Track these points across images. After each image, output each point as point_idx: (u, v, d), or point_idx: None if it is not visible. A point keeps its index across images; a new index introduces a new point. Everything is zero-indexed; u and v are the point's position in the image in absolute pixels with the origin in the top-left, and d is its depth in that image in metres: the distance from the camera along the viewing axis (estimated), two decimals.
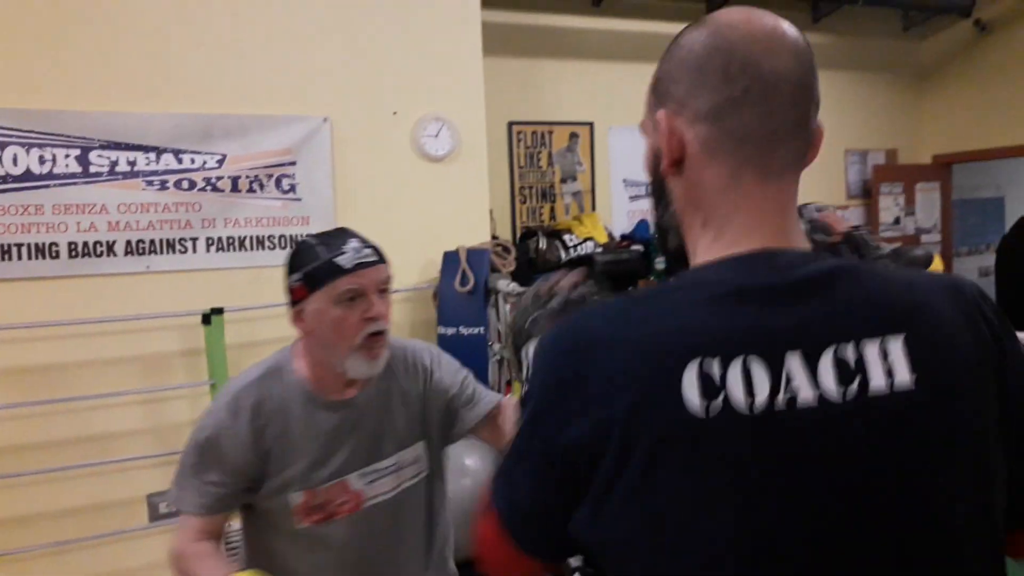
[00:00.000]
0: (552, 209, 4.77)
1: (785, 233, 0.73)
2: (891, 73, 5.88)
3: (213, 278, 3.19)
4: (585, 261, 1.18)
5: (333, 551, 1.54)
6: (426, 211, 3.58)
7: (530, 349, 0.97)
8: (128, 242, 3.08)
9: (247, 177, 3.27)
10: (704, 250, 0.74)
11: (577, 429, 0.67)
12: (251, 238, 3.28)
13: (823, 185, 5.70)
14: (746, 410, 0.64)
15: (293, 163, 3.35)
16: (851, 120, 5.74)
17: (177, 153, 3.16)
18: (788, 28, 0.74)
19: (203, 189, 3.20)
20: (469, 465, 2.97)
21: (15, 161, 2.93)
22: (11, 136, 2.92)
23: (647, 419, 0.65)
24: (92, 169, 3.04)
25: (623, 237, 4.73)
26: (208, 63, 3.20)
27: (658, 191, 0.81)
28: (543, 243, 4.29)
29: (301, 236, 3.29)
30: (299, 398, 1.52)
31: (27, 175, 2.94)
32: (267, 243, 3.29)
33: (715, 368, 0.64)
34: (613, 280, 1.14)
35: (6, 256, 2.91)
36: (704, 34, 0.74)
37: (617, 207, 4.97)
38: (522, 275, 3.85)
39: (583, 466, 0.67)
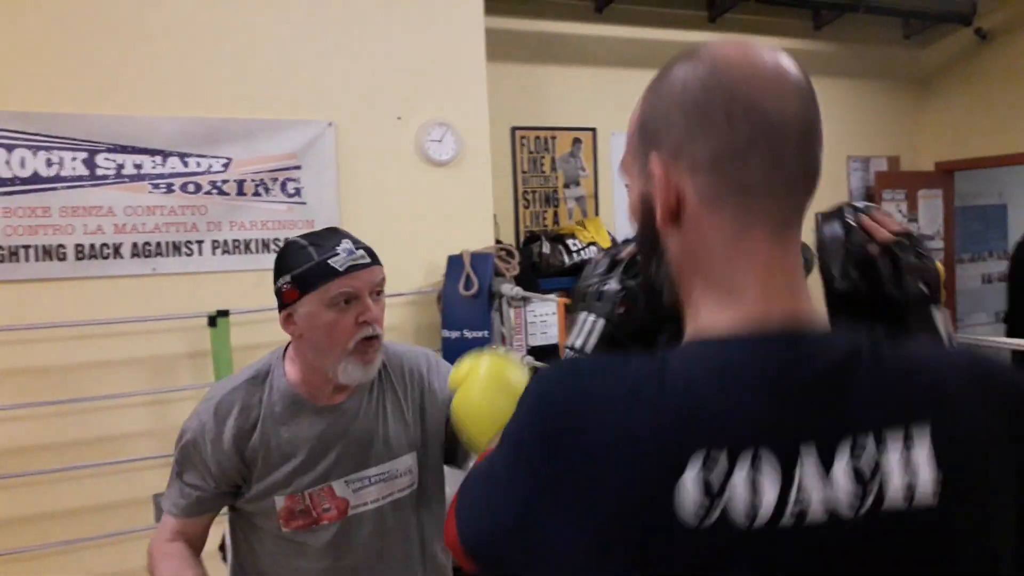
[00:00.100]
0: (555, 214, 4.79)
1: (796, 295, 0.66)
2: (892, 80, 5.90)
3: (219, 281, 3.21)
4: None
5: (317, 558, 1.50)
6: (430, 215, 3.60)
7: (578, 318, 0.97)
8: (134, 244, 3.11)
9: (252, 181, 3.30)
10: (709, 313, 0.66)
11: (549, 505, 0.61)
12: (256, 241, 3.30)
13: (825, 191, 5.69)
14: (745, 522, 0.57)
15: (298, 167, 3.37)
16: (853, 127, 5.76)
17: (183, 156, 3.18)
18: (791, 66, 0.67)
19: (209, 192, 3.22)
20: None
21: (23, 164, 2.96)
22: (19, 139, 2.95)
23: (632, 519, 0.57)
24: (99, 172, 3.06)
25: (626, 242, 4.74)
26: (213, 67, 3.22)
27: (648, 243, 0.73)
28: (546, 248, 4.31)
29: (283, 242, 3.31)
30: (287, 402, 1.48)
31: (34, 177, 2.97)
32: (272, 246, 3.31)
33: (721, 463, 0.57)
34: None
35: (14, 258, 2.93)
36: (701, 72, 0.65)
37: (620, 212, 4.99)
38: (526, 279, 3.87)
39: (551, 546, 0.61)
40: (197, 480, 1.46)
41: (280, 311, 1.46)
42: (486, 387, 1.20)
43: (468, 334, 3.43)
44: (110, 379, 3.03)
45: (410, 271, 3.52)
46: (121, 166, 3.09)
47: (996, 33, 5.57)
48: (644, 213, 0.71)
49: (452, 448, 1.64)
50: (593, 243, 4.41)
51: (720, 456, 0.57)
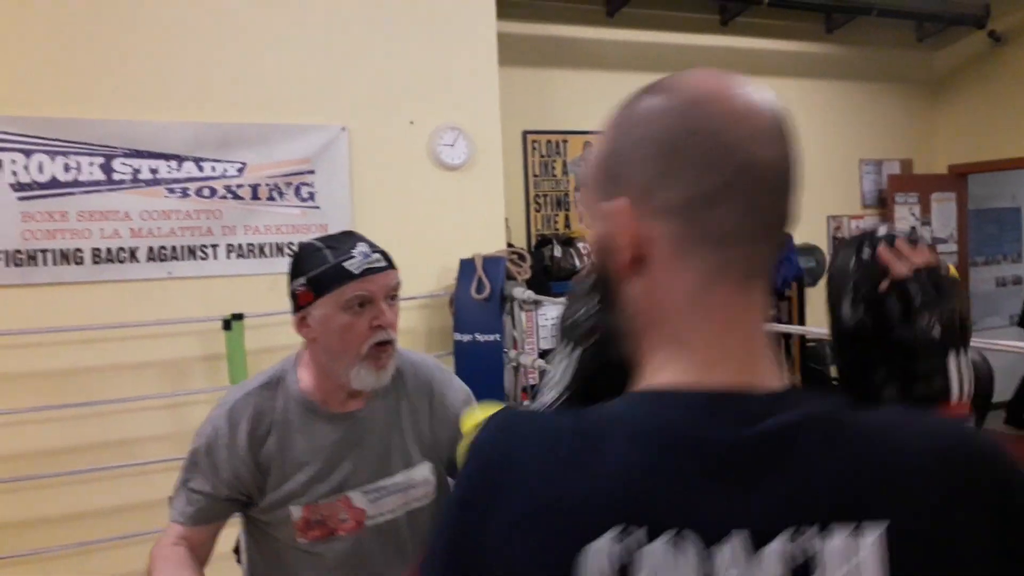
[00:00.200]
0: (567, 217, 4.80)
1: (754, 354, 0.60)
2: (905, 83, 5.88)
3: (233, 284, 3.24)
4: None
5: (332, 569, 1.47)
6: (442, 219, 3.62)
7: (556, 350, 0.93)
8: (150, 248, 3.14)
9: (267, 185, 3.33)
10: (654, 369, 0.61)
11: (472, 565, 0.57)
12: (271, 245, 3.33)
13: (838, 194, 5.70)
14: None
15: (312, 171, 3.39)
16: (866, 130, 5.75)
17: (198, 161, 3.21)
18: (771, 104, 0.62)
19: (224, 197, 3.25)
20: None
21: (41, 168, 3.00)
22: (37, 144, 2.99)
23: None
24: (115, 177, 3.10)
25: None
26: (228, 73, 3.26)
27: (605, 288, 0.67)
28: (558, 251, 4.32)
29: (299, 245, 3.34)
30: (301, 409, 1.46)
31: (53, 182, 3.00)
32: (286, 250, 3.34)
33: (636, 540, 0.52)
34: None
35: (32, 262, 2.97)
36: (673, 107, 0.60)
37: None
38: (537, 283, 3.88)
39: None
40: (206, 487, 1.43)
41: (294, 314, 1.44)
42: None
43: (480, 337, 3.44)
44: (126, 382, 3.07)
45: (422, 275, 3.54)
46: (137, 171, 3.13)
47: (1010, 35, 5.54)
48: (603, 257, 0.65)
49: (452, 473, 1.61)
50: None
51: (638, 533, 0.52)
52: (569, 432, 0.58)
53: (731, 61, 5.28)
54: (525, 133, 4.67)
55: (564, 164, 4.79)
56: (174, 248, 3.17)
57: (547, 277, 4.13)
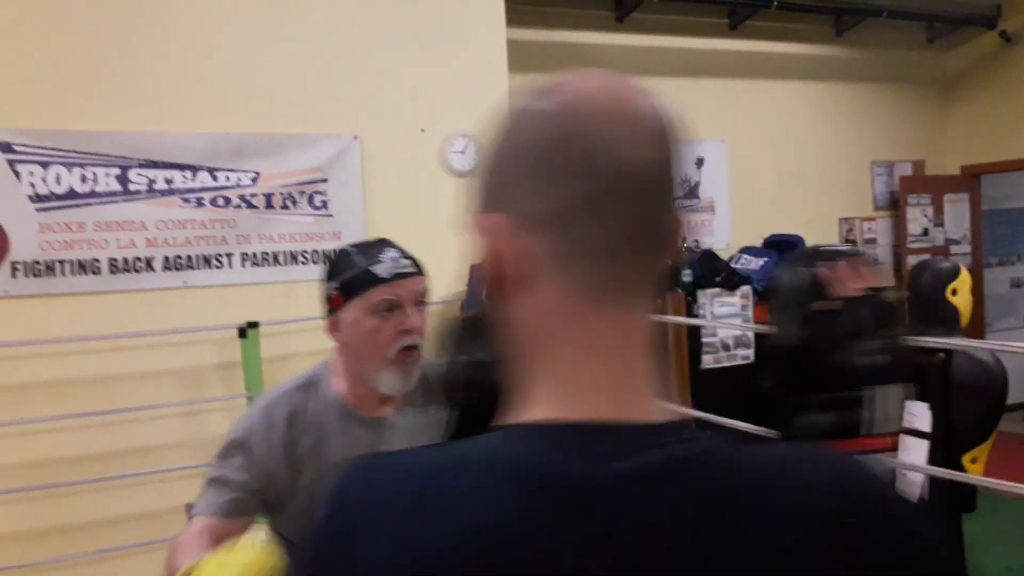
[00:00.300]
0: None
1: (636, 386, 0.55)
2: (916, 84, 5.87)
3: (248, 293, 3.27)
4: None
5: None
6: (454, 225, 3.64)
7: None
8: (166, 258, 3.17)
9: (280, 194, 3.36)
10: (530, 400, 0.56)
11: None
12: (285, 253, 3.36)
13: (850, 196, 5.69)
14: None
15: (324, 180, 3.42)
16: (877, 131, 5.74)
17: (212, 171, 3.25)
18: (650, 107, 0.57)
19: (238, 206, 3.29)
20: None
21: (58, 180, 3.03)
22: (54, 156, 3.03)
23: None
24: (131, 187, 3.13)
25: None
26: (242, 84, 3.29)
27: (490, 310, 0.63)
28: None
29: (333, 251, 3.37)
30: (335, 412, 1.47)
31: (70, 194, 3.04)
32: (300, 258, 3.37)
33: None
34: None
35: (50, 272, 3.00)
36: (549, 113, 0.56)
37: None
38: None
39: None
40: (241, 476, 1.41)
41: (326, 318, 1.46)
42: None
43: None
44: (143, 390, 3.10)
45: (434, 280, 3.55)
46: (152, 181, 3.16)
47: (1021, 35, 5.52)
48: (484, 278, 0.59)
49: None
50: None
51: None
52: (424, 477, 0.52)
53: (741, 65, 5.28)
54: None
55: None
56: (189, 257, 3.20)
57: None
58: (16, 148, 2.98)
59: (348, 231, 3.41)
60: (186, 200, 3.21)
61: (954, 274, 2.69)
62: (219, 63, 3.26)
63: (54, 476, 2.97)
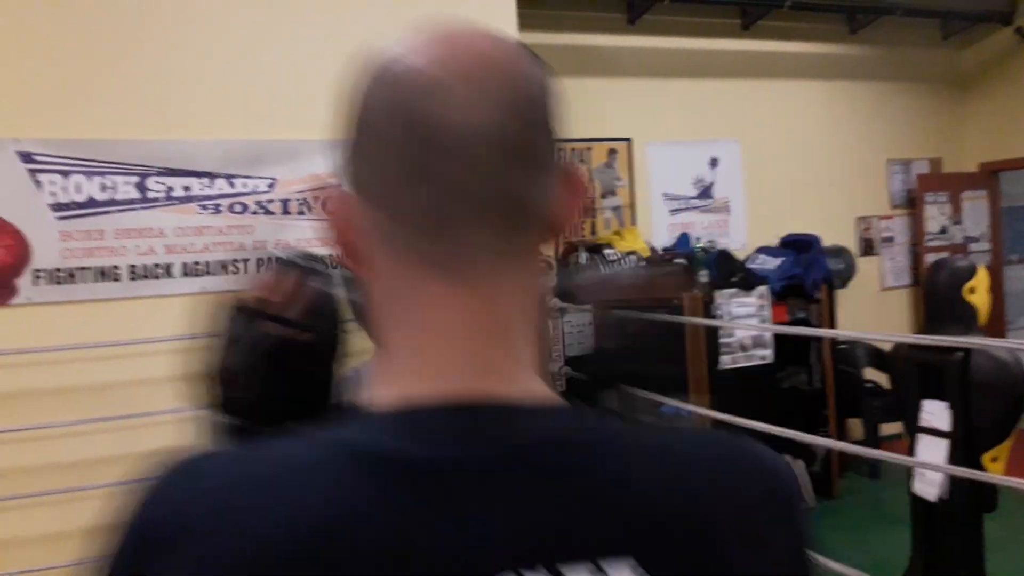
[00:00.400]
0: (593, 224, 4.82)
1: (497, 362, 0.50)
2: (932, 82, 5.83)
3: None
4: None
5: None
6: None
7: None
8: (184, 264, 3.21)
9: (296, 200, 3.39)
10: (378, 382, 0.52)
11: None
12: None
13: (866, 195, 5.66)
14: None
15: (340, 186, 3.44)
16: (893, 130, 5.70)
17: (230, 178, 3.28)
18: (501, 59, 0.51)
19: (255, 212, 3.32)
20: None
21: (78, 189, 3.08)
22: (75, 165, 3.07)
23: None
24: (150, 195, 3.17)
25: (665, 250, 4.75)
26: (258, 91, 3.32)
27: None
28: (584, 258, 4.34)
29: None
30: None
31: (90, 202, 3.09)
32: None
33: None
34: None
35: (71, 279, 3.05)
36: (380, 76, 0.52)
37: (657, 221, 5.00)
38: (563, 291, 3.90)
39: None
40: None
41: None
42: None
43: None
44: (163, 396, 3.12)
45: None
46: (171, 189, 3.20)
47: None
48: (339, 252, 0.56)
49: None
50: (631, 252, 4.43)
51: None
52: (251, 472, 0.46)
53: (754, 65, 5.27)
54: None
55: (589, 171, 4.82)
56: (208, 264, 3.24)
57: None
58: (36, 158, 3.02)
59: None
60: (204, 207, 3.25)
61: (971, 273, 2.67)
62: (236, 72, 3.29)
63: (75, 481, 3.00)
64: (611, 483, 0.47)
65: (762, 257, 4.88)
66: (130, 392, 3.09)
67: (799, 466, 4.42)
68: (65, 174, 3.05)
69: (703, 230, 5.02)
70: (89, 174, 3.09)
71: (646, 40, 4.90)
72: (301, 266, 0.94)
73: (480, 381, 0.49)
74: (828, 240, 5.08)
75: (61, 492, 2.99)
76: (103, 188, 3.10)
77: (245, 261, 3.29)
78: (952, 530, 2.59)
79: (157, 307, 3.15)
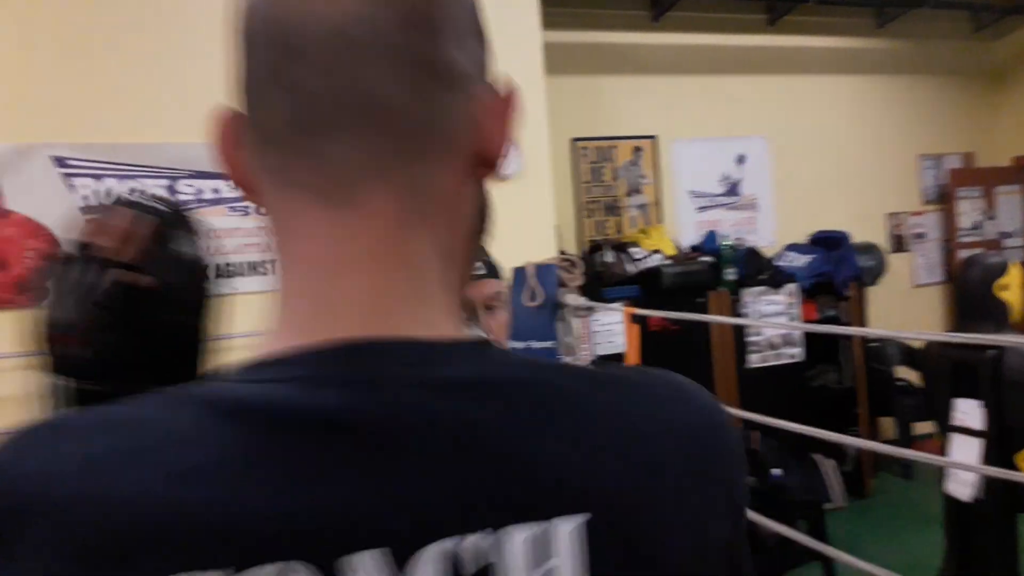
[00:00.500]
0: (618, 223, 4.80)
1: (389, 299, 0.43)
2: (963, 75, 5.73)
3: None
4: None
5: None
6: (494, 228, 3.67)
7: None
8: (216, 266, 3.25)
9: None
10: (273, 329, 0.45)
11: None
12: None
13: (897, 191, 5.58)
14: None
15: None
16: (923, 124, 5.62)
17: None
18: None
19: None
20: None
21: (110, 193, 3.13)
22: (106, 169, 3.13)
23: None
24: (180, 197, 3.22)
25: (693, 248, 4.73)
26: None
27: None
28: (610, 256, 4.33)
29: None
30: None
31: None
32: None
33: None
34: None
35: None
36: None
37: (684, 218, 4.97)
38: (590, 289, 3.89)
39: None
40: None
41: None
42: None
43: (535, 345, 3.47)
44: None
45: None
46: (200, 191, 3.25)
47: None
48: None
49: None
50: (657, 250, 4.41)
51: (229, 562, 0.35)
52: (117, 431, 0.39)
53: (780, 61, 5.22)
54: (574, 140, 4.69)
55: (614, 169, 4.80)
56: (238, 265, 3.28)
57: (600, 283, 4.14)
58: (70, 162, 3.08)
59: None
60: (233, 209, 3.29)
61: (1003, 269, 2.63)
62: None
63: None
64: (557, 432, 0.40)
65: (791, 254, 4.83)
66: None
67: (831, 465, 4.38)
68: (97, 177, 3.11)
69: (730, 228, 4.99)
70: (120, 177, 3.14)
71: (670, 37, 4.88)
72: (142, 206, 0.83)
73: (380, 322, 0.42)
74: (858, 237, 5.01)
75: None
76: (134, 191, 3.16)
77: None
78: (985, 531, 2.55)
79: None
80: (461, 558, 0.37)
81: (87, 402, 0.68)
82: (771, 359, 4.45)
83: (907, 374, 4.74)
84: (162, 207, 0.85)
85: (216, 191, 3.26)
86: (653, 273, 4.22)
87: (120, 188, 3.13)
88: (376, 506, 0.37)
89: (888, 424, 4.94)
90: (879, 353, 4.76)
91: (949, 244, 5.68)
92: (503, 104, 0.48)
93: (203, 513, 0.36)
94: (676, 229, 4.88)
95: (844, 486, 4.42)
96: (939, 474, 2.70)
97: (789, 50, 5.21)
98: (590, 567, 0.39)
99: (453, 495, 0.38)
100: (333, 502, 0.37)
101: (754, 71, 5.14)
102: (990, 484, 2.45)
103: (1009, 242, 5.72)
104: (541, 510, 0.39)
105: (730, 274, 4.40)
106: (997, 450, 2.43)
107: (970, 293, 2.65)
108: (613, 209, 4.80)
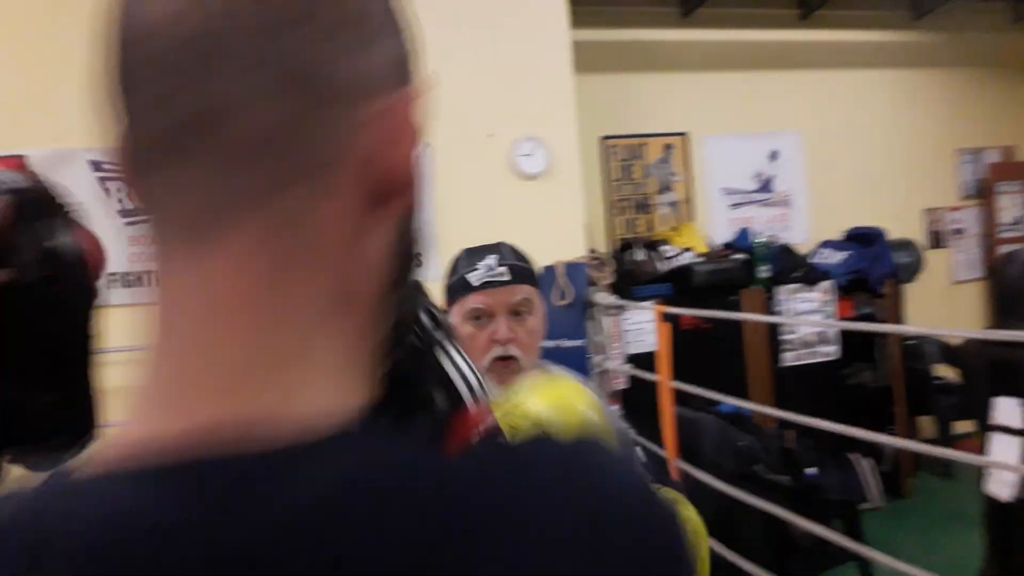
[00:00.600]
0: (649, 221, 4.78)
1: (247, 363, 0.35)
2: (1002, 67, 5.60)
3: None
4: None
5: None
6: (523, 228, 3.65)
7: None
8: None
9: None
10: (130, 415, 0.37)
11: None
12: None
13: (934, 186, 5.48)
14: None
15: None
16: (961, 118, 5.51)
17: None
18: None
19: None
20: None
21: None
22: None
23: None
24: None
25: (726, 246, 4.68)
26: None
27: None
28: (640, 255, 4.31)
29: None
30: None
31: None
32: None
33: None
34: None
35: (139, 282, 3.16)
36: None
37: (716, 216, 4.93)
38: (620, 287, 3.88)
39: None
40: None
41: None
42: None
43: (565, 343, 3.47)
44: None
45: None
46: None
47: None
48: None
49: None
50: (688, 248, 4.38)
51: None
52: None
53: (813, 55, 5.16)
54: (604, 138, 4.68)
55: (644, 167, 4.78)
56: None
57: (631, 281, 4.12)
58: (105, 167, 3.15)
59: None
60: None
61: None
62: None
63: None
64: (433, 543, 0.31)
65: (826, 251, 4.77)
66: None
67: (868, 465, 4.31)
68: None
69: (764, 225, 4.93)
70: None
71: (701, 33, 4.84)
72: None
73: (238, 401, 0.34)
74: (894, 233, 4.93)
75: None
76: None
77: None
78: None
79: None
80: None
81: None
82: (806, 357, 4.39)
83: (946, 372, 4.65)
84: (23, 184, 0.69)
85: None
86: (685, 271, 4.19)
87: None
88: None
89: (927, 423, 4.85)
90: (917, 351, 4.68)
91: (989, 240, 5.56)
92: (405, 116, 0.39)
93: None
94: (708, 226, 4.84)
95: (882, 486, 4.36)
96: (979, 474, 2.65)
97: (822, 45, 5.14)
98: None
99: None
100: None
101: (787, 66, 5.09)
102: None
103: None
104: None
105: (763, 272, 4.36)
106: None
107: (1010, 289, 2.59)
108: (643, 207, 4.78)
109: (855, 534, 3.35)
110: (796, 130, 5.09)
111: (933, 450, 2.56)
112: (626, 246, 4.47)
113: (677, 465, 3.07)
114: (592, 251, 3.88)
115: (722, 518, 3.19)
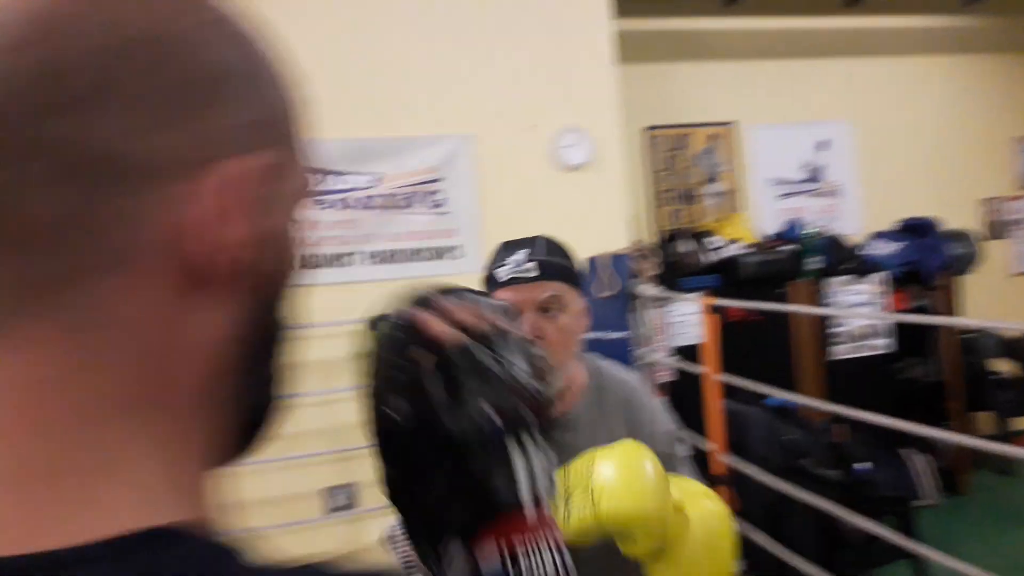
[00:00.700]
0: (694, 211, 4.74)
1: (17, 489, 0.32)
2: None
3: (372, 290, 3.41)
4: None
5: None
6: (567, 219, 3.67)
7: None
8: (300, 258, 3.36)
9: (399, 195, 3.49)
10: None
11: None
12: (404, 251, 3.50)
13: (990, 176, 5.32)
14: None
15: (440, 179, 3.54)
16: (1018, 105, 5.34)
17: (339, 175, 3.42)
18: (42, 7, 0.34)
19: (365, 207, 3.45)
20: None
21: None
22: None
23: None
24: None
25: (775, 237, 4.61)
26: (365, 91, 3.45)
27: None
28: (686, 246, 4.27)
29: (449, 247, 3.50)
30: None
31: None
32: (420, 255, 3.50)
33: None
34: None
35: None
36: None
37: (764, 206, 4.86)
38: (665, 279, 3.86)
39: None
40: None
41: None
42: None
43: (608, 335, 3.47)
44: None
45: None
46: None
47: None
48: None
49: None
50: (735, 239, 4.33)
51: None
52: None
53: (860, 42, 5.05)
54: (649, 128, 4.65)
55: (690, 157, 4.74)
56: (319, 257, 3.39)
57: (676, 273, 4.09)
58: None
59: (463, 228, 3.51)
60: (317, 203, 3.39)
61: None
62: (343, 73, 3.43)
63: None
64: None
65: (878, 242, 4.66)
66: None
67: (924, 461, 4.21)
68: None
69: (814, 215, 4.84)
70: None
71: (745, 21, 4.78)
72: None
73: (14, 537, 0.30)
74: (950, 224, 4.80)
75: None
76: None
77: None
78: None
79: None
80: None
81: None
82: (856, 351, 4.31)
83: (1004, 366, 4.52)
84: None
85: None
86: (732, 262, 4.14)
87: None
88: None
89: (984, 419, 4.72)
90: (974, 345, 4.55)
91: None
92: (243, 187, 0.36)
93: None
94: (756, 217, 4.78)
95: (938, 483, 4.25)
96: None
97: (869, 31, 5.03)
98: None
99: None
100: None
101: (833, 54, 4.99)
102: None
103: None
104: None
105: (813, 263, 4.28)
106: None
107: None
108: (688, 198, 4.74)
109: (908, 531, 3.28)
110: (845, 119, 4.99)
111: (990, 446, 2.50)
112: (672, 237, 4.44)
113: (723, 459, 3.05)
114: (637, 242, 3.86)
115: (770, 512, 3.16)
